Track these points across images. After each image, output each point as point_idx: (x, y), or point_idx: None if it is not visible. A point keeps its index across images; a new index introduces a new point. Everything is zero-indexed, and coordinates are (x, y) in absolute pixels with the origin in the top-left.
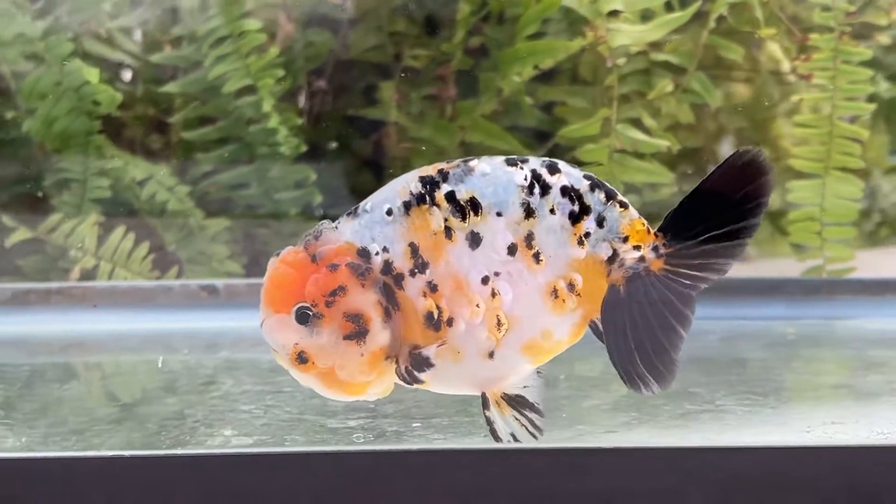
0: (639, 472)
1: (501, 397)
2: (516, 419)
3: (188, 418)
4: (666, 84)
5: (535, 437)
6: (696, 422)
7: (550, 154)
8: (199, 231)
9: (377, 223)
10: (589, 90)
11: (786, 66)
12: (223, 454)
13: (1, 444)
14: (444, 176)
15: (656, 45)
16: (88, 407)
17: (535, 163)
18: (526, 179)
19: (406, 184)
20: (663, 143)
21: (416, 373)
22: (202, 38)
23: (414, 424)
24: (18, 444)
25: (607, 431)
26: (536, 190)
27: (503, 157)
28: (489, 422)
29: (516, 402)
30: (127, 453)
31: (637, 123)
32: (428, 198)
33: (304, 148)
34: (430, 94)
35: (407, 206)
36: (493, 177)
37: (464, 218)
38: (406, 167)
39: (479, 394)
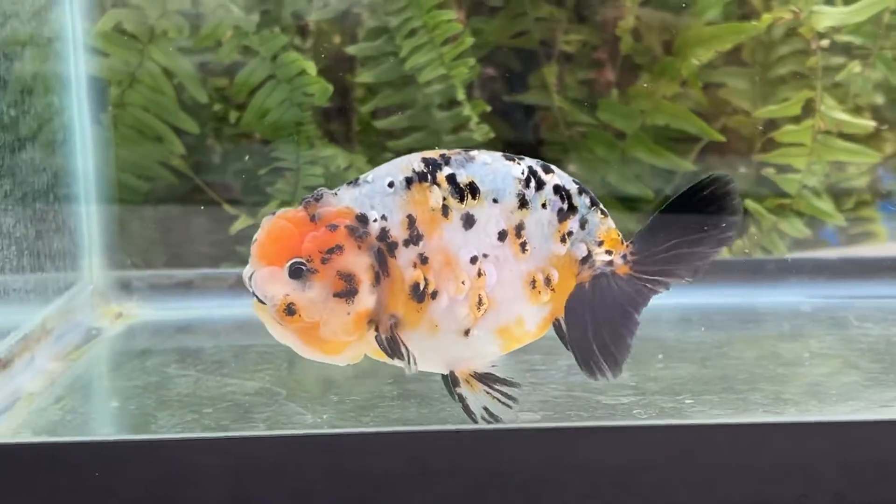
0: None
1: (471, 375)
2: (487, 393)
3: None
4: (854, 65)
5: (509, 406)
6: None
7: None
8: None
9: (378, 193)
10: (749, 72)
11: None
12: (514, 429)
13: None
14: (446, 160)
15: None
16: (357, 385)
17: (531, 161)
18: (523, 173)
19: (409, 162)
20: (869, 124)
21: (395, 344)
22: (395, 29)
23: (687, 401)
24: (320, 421)
25: None
26: (532, 184)
27: (501, 153)
28: (461, 398)
29: (486, 378)
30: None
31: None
32: (430, 176)
33: (492, 135)
34: (588, 79)
35: (409, 181)
36: (493, 167)
37: (462, 199)
38: (582, 151)
39: (445, 372)
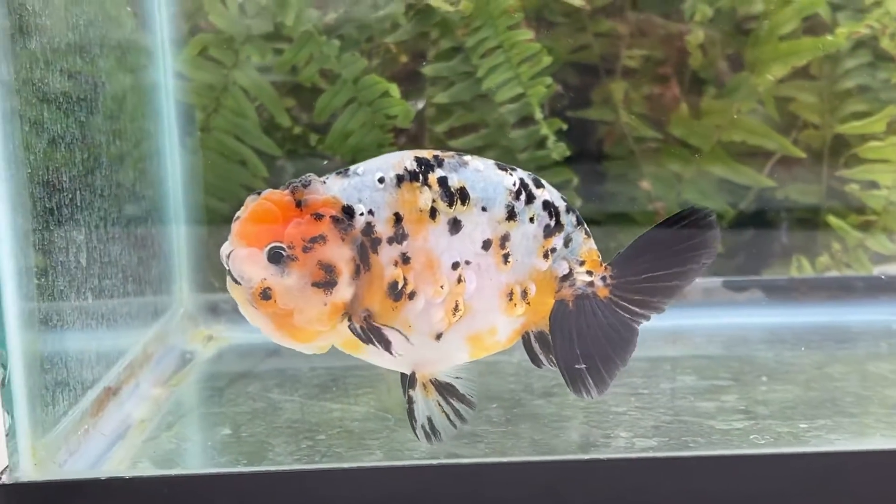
0: None
1: (431, 381)
2: (439, 405)
3: (571, 420)
4: None
5: (454, 426)
6: None
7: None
8: None
9: (367, 187)
10: (817, 85)
11: None
12: (644, 458)
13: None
14: (439, 162)
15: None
16: None
17: (523, 173)
18: (515, 185)
19: (401, 159)
20: None
21: (378, 333)
22: (470, 49)
23: (801, 425)
24: (436, 449)
25: None
26: (523, 196)
27: (493, 161)
28: (410, 400)
29: (445, 389)
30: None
31: None
32: (421, 177)
33: (568, 153)
34: (653, 94)
35: (399, 179)
36: (485, 175)
37: (451, 204)
38: (653, 166)
39: (408, 372)
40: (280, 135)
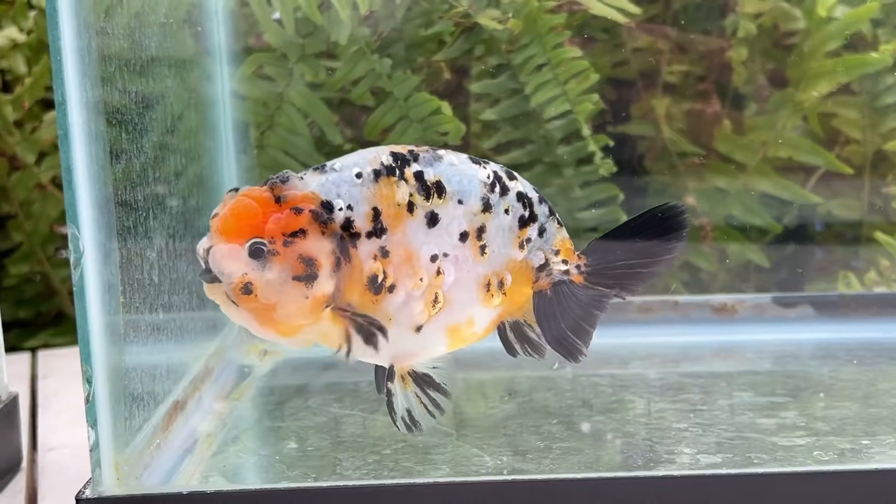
0: None
1: (408, 373)
2: (417, 396)
3: (633, 436)
4: None
5: (433, 416)
6: None
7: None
8: None
9: (345, 182)
10: (858, 101)
11: None
12: (713, 475)
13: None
14: (414, 157)
15: None
16: (522, 424)
17: (496, 166)
18: (489, 178)
19: (378, 155)
20: None
21: (372, 329)
22: (518, 66)
23: (864, 441)
24: (501, 464)
25: None
26: (497, 189)
27: (467, 155)
28: (389, 394)
29: (422, 380)
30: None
31: None
32: (398, 171)
33: (615, 169)
34: (694, 110)
35: (377, 174)
36: (460, 168)
37: (428, 197)
38: (699, 182)
39: (387, 365)
40: (329, 151)
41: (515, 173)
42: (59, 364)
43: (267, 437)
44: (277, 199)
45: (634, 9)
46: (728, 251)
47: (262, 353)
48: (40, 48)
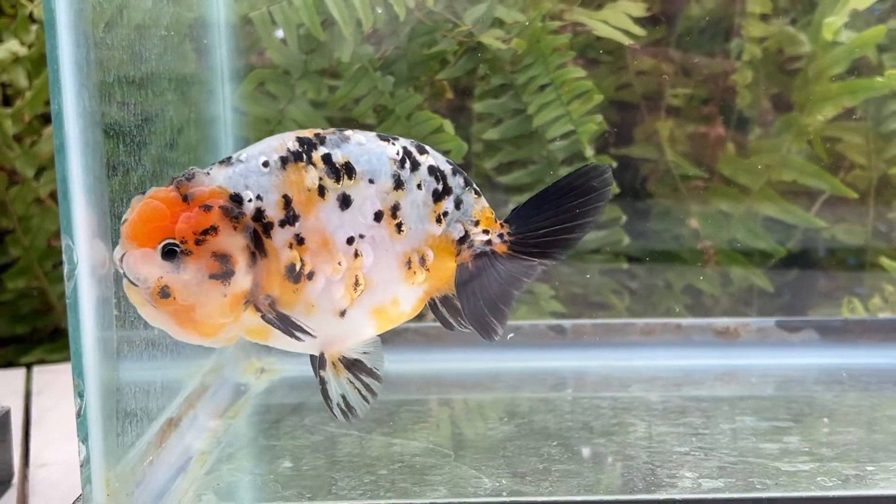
0: None
1: (339, 359)
2: (350, 382)
3: (634, 458)
4: None
5: (367, 401)
6: None
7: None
8: None
9: (252, 173)
10: (863, 126)
11: None
12: (723, 499)
13: (481, 484)
14: (321, 139)
15: None
16: (520, 446)
17: (405, 142)
18: (398, 154)
19: (283, 141)
20: None
21: (286, 318)
22: (521, 86)
23: (868, 467)
24: (500, 486)
25: None
26: (407, 165)
27: (374, 133)
28: (322, 381)
29: (353, 366)
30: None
31: None
32: (305, 156)
33: (618, 190)
34: (698, 133)
35: (284, 161)
36: (368, 147)
37: (338, 180)
38: (702, 205)
39: (317, 353)
40: None
41: (427, 147)
42: (54, 380)
43: (262, 455)
44: (185, 198)
45: (639, 30)
46: (731, 275)
47: (258, 370)
48: (41, 62)
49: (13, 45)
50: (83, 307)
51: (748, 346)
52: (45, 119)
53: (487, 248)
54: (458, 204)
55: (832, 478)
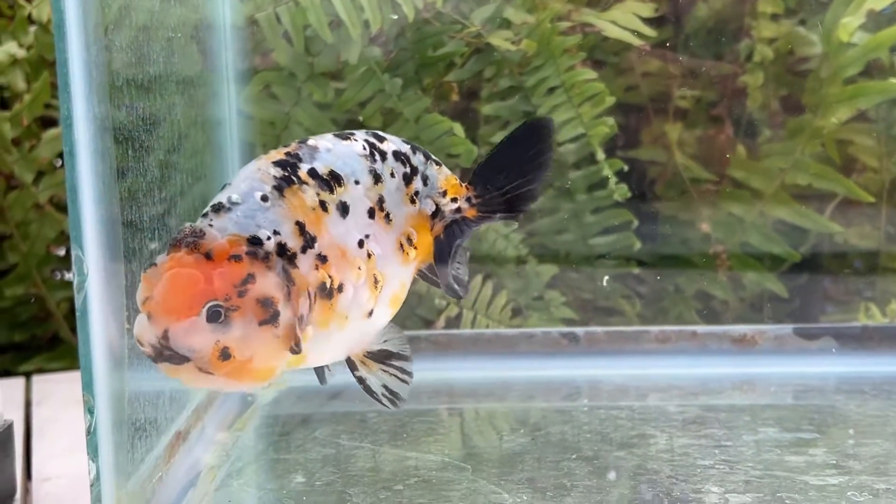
0: None
1: (365, 356)
2: (384, 371)
3: (658, 472)
4: None
5: (406, 382)
6: None
7: None
8: (534, 277)
9: (256, 210)
10: (875, 128)
11: None
12: None
13: (501, 500)
14: (296, 157)
15: None
16: (539, 460)
17: (361, 134)
18: (364, 149)
19: (263, 171)
20: None
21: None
22: (530, 88)
23: None
24: (521, 502)
25: None
26: (377, 157)
27: (331, 133)
28: (361, 381)
29: (381, 356)
30: None
31: None
32: (294, 178)
33: (629, 194)
34: (706, 135)
35: (279, 190)
36: (337, 151)
37: (332, 190)
38: (713, 209)
39: (343, 358)
40: None
41: (381, 132)
42: (54, 390)
43: (272, 469)
44: (207, 256)
45: (649, 31)
46: (743, 280)
47: None
48: (40, 64)
49: (11, 48)
50: (93, 319)
51: (765, 353)
52: (44, 123)
53: (458, 216)
54: (424, 181)
55: (863, 492)
